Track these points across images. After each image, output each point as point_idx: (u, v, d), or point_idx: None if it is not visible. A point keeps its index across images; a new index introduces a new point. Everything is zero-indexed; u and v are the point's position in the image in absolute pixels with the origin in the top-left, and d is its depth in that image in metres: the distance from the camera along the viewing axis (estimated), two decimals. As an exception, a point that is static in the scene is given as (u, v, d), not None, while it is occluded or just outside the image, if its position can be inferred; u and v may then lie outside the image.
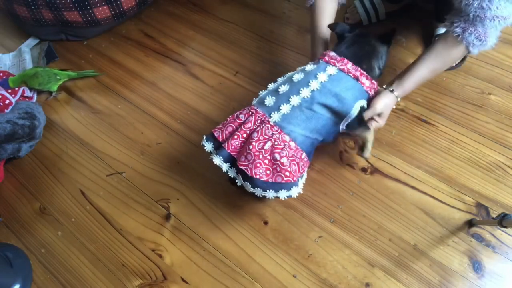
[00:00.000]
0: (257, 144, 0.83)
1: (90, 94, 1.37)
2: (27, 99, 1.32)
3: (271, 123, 0.85)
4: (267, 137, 0.84)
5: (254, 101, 0.92)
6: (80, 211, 1.12)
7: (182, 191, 1.13)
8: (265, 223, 1.06)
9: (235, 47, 1.44)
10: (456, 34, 0.90)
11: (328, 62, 0.90)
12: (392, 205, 1.06)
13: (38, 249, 1.07)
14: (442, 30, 1.29)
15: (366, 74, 0.91)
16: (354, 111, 0.90)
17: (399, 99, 0.97)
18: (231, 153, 0.86)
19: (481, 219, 1.02)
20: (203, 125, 1.25)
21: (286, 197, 0.84)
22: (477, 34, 0.88)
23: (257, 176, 0.82)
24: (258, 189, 0.83)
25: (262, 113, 0.87)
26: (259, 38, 1.46)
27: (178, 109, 1.30)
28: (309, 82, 0.87)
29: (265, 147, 0.83)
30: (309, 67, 0.92)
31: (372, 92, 0.93)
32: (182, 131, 1.24)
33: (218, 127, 0.91)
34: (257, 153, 0.82)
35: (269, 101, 0.88)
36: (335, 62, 0.90)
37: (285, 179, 0.83)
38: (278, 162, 0.82)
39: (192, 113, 1.28)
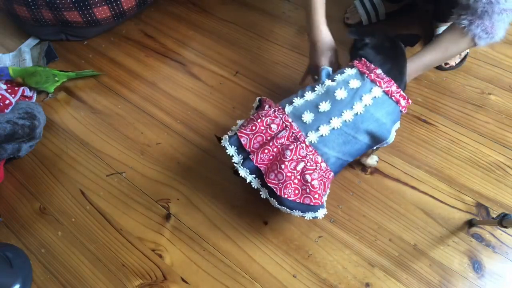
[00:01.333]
0: (289, 163, 0.80)
1: (90, 94, 1.37)
2: (27, 99, 1.32)
3: (307, 143, 0.81)
4: (301, 157, 0.80)
5: (287, 108, 0.85)
6: (80, 211, 1.12)
7: (182, 191, 1.13)
8: (265, 223, 1.06)
9: (235, 47, 1.44)
10: (463, 26, 0.90)
11: (374, 81, 0.84)
12: (392, 205, 1.06)
13: (38, 249, 1.07)
14: (442, 30, 1.29)
15: (404, 94, 0.86)
16: (392, 137, 0.88)
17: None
18: (259, 165, 0.82)
19: (481, 219, 1.02)
20: (203, 125, 1.25)
21: (311, 218, 0.83)
22: (484, 27, 0.88)
23: (285, 196, 0.80)
24: (284, 207, 0.81)
25: (298, 130, 0.82)
26: (259, 38, 1.46)
27: (178, 109, 1.30)
28: (353, 104, 0.82)
29: (298, 168, 0.80)
30: (353, 82, 0.84)
31: (405, 111, 0.88)
32: (182, 131, 1.24)
33: (244, 131, 0.84)
34: (289, 174, 0.79)
35: (307, 117, 0.83)
36: (381, 82, 0.84)
37: (313, 201, 0.81)
38: (309, 184, 0.80)
39: (192, 113, 1.28)
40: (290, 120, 0.84)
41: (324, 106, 0.83)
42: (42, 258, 1.06)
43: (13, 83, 1.32)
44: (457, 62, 1.28)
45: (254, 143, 0.83)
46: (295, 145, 0.81)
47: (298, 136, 0.82)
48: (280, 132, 0.83)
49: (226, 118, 1.26)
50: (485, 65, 1.30)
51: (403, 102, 0.86)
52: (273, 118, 0.85)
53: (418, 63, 0.98)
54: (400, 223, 1.03)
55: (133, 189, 1.15)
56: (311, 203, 0.81)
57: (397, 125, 0.89)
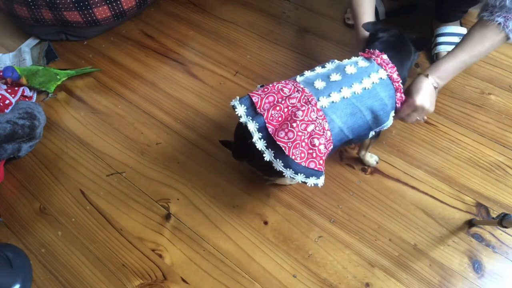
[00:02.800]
0: (300, 123, 0.79)
1: (90, 94, 1.37)
2: (27, 99, 1.32)
3: (318, 107, 0.82)
4: (311, 119, 0.80)
5: (298, 78, 0.88)
6: (80, 211, 1.12)
7: (182, 191, 1.13)
8: (265, 223, 1.06)
9: (235, 47, 1.44)
10: (498, 22, 0.88)
11: (380, 64, 0.88)
12: (392, 205, 1.06)
13: (38, 249, 1.07)
14: (442, 30, 1.29)
15: (402, 87, 0.89)
16: (390, 121, 0.89)
17: (436, 84, 0.93)
18: (267, 124, 0.80)
19: (481, 219, 1.02)
20: (203, 125, 1.25)
21: (312, 185, 0.82)
22: None
23: (293, 157, 0.78)
24: (290, 170, 0.79)
25: (310, 93, 0.83)
26: (259, 38, 1.46)
27: (178, 109, 1.30)
28: (362, 79, 0.85)
29: (308, 129, 0.80)
30: (362, 62, 0.89)
31: (399, 105, 0.91)
32: (182, 131, 1.24)
33: (256, 92, 0.85)
34: (299, 133, 0.79)
35: (319, 84, 0.84)
36: (386, 66, 0.87)
37: (318, 166, 0.81)
38: (316, 148, 0.80)
39: (192, 113, 1.28)
40: (302, 86, 0.85)
41: (335, 77, 0.85)
42: (42, 258, 1.06)
43: (13, 83, 1.32)
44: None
45: (265, 103, 0.82)
46: (307, 107, 0.81)
47: (310, 99, 0.82)
48: (292, 93, 0.83)
49: (226, 118, 1.26)
50: (485, 65, 1.30)
51: (398, 95, 0.89)
52: (285, 84, 0.86)
53: (456, 61, 0.94)
54: (400, 223, 1.03)
55: (133, 189, 1.15)
56: (315, 168, 0.81)
57: (393, 113, 0.91)
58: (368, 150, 1.08)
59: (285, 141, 0.78)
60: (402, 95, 0.90)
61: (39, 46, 1.50)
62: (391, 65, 0.88)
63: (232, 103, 0.85)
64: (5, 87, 1.30)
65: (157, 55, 1.45)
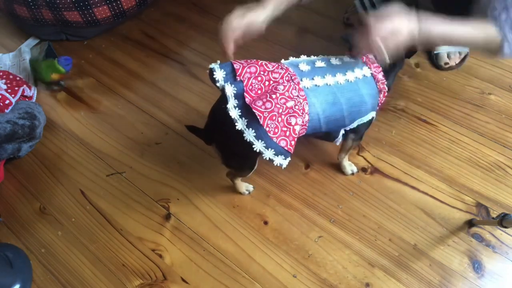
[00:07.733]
0: (280, 97, 0.76)
1: (90, 94, 1.37)
2: (27, 99, 1.32)
3: (300, 87, 0.79)
4: (292, 96, 0.77)
5: (283, 61, 0.86)
6: (80, 211, 1.12)
7: (182, 191, 1.13)
8: (265, 223, 1.06)
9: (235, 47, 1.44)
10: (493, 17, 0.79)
11: (365, 63, 0.87)
12: (392, 205, 1.06)
13: (38, 249, 1.07)
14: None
15: (386, 89, 0.87)
16: (367, 117, 0.88)
17: (416, 30, 0.79)
18: (245, 93, 0.75)
19: (481, 219, 1.02)
20: (203, 125, 1.25)
21: (279, 164, 0.76)
22: None
23: (267, 129, 0.74)
24: (261, 141, 0.74)
25: (293, 73, 0.81)
26: (259, 38, 1.45)
27: (178, 109, 1.30)
28: (346, 71, 0.84)
29: (287, 104, 0.76)
30: (346, 58, 0.88)
31: (380, 105, 0.90)
32: (182, 131, 1.24)
33: (239, 61, 0.81)
34: (278, 106, 0.75)
35: (304, 67, 0.83)
36: (371, 65, 0.86)
37: (288, 146, 0.77)
38: (291, 127, 0.77)
39: (192, 113, 1.28)
40: (286, 66, 0.83)
41: (320, 64, 0.85)
42: (42, 258, 1.06)
43: (13, 82, 1.32)
44: (457, 62, 1.28)
45: (246, 72, 0.78)
46: (289, 84, 0.79)
47: (292, 78, 0.80)
48: (275, 69, 0.81)
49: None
50: (485, 65, 1.30)
51: (381, 97, 0.88)
52: (269, 62, 0.83)
53: (447, 28, 0.81)
54: (400, 223, 1.03)
55: (133, 189, 1.15)
56: (285, 147, 0.76)
57: (373, 114, 0.89)
58: (348, 154, 1.06)
59: (262, 110, 0.73)
60: (385, 98, 0.89)
61: (39, 46, 1.50)
62: (376, 64, 0.87)
63: (211, 66, 0.80)
64: (5, 87, 1.30)
65: (158, 55, 1.45)
